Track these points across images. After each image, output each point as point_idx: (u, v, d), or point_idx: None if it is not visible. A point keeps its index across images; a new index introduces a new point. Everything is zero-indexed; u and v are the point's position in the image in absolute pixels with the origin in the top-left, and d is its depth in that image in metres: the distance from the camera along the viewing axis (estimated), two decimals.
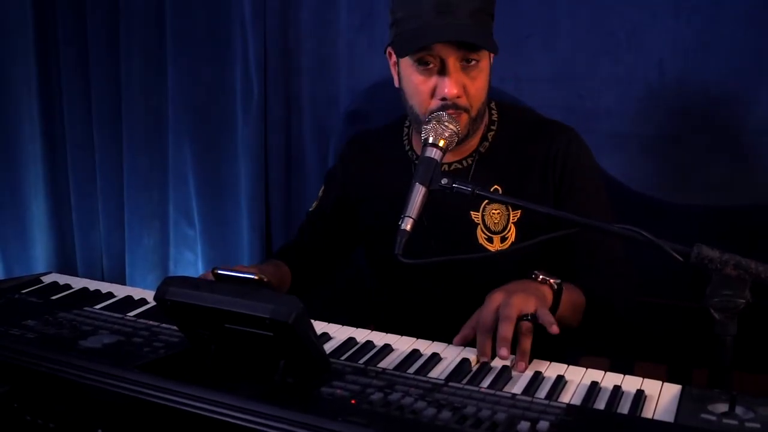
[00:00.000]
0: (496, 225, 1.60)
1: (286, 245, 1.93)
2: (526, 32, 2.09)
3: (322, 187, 1.87)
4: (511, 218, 1.60)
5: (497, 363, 1.29)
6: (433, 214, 1.61)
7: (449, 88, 1.45)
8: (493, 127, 1.65)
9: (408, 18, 1.47)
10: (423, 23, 1.44)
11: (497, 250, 1.60)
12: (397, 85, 1.60)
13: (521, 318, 1.30)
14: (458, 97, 1.47)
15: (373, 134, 1.82)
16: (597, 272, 1.58)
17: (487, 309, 1.32)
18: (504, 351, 1.25)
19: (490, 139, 1.65)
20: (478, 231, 1.61)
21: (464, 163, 1.64)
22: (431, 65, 1.47)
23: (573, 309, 1.46)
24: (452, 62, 1.45)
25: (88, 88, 2.70)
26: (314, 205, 1.86)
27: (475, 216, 1.61)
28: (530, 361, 1.28)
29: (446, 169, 1.63)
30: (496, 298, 1.32)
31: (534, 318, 1.31)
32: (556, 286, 1.40)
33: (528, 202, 1.35)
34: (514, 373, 1.25)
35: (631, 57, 2.01)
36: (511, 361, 1.27)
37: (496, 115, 1.67)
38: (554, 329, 1.26)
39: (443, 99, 1.47)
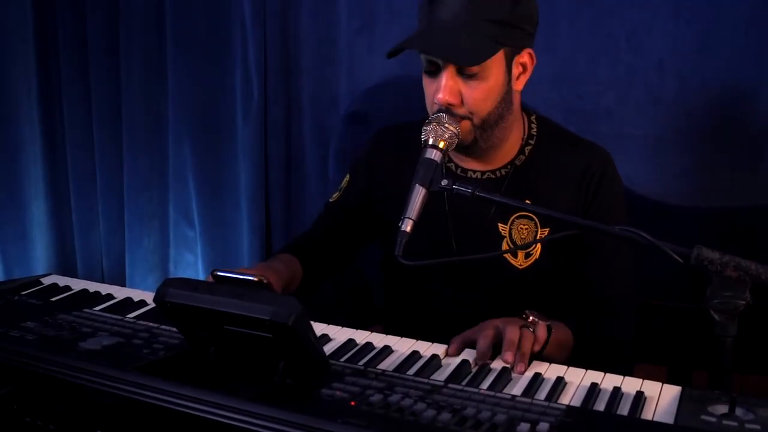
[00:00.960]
0: (522, 240, 1.60)
1: (300, 238, 1.89)
2: None
3: (347, 178, 1.83)
4: (539, 235, 1.59)
5: (497, 364, 1.29)
6: (462, 222, 1.61)
7: (441, 94, 1.46)
8: (531, 141, 1.64)
9: (420, 19, 1.50)
10: (424, 25, 1.47)
11: (520, 267, 1.61)
12: None
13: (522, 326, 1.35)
14: (450, 104, 1.47)
15: (402, 129, 1.77)
16: (602, 312, 1.60)
17: (487, 323, 1.37)
18: (509, 355, 1.27)
19: (526, 153, 1.64)
20: (504, 244, 1.61)
21: (497, 173, 1.63)
22: (432, 68, 1.49)
23: (560, 348, 1.47)
24: (447, 69, 1.46)
25: (88, 89, 2.70)
26: (336, 195, 1.83)
27: (503, 229, 1.61)
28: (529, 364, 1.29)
29: (479, 177, 1.63)
30: (494, 320, 1.37)
31: (533, 329, 1.36)
32: (547, 327, 1.41)
33: (528, 204, 1.35)
34: (513, 374, 1.25)
35: (631, 58, 2.01)
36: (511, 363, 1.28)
37: (535, 130, 1.66)
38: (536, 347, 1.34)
39: (437, 103, 1.48)
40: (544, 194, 1.59)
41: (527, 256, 1.60)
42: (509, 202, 1.43)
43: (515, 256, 1.60)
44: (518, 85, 1.55)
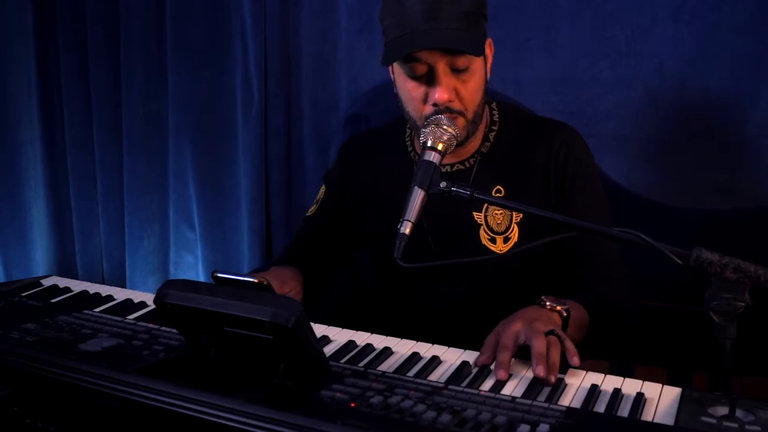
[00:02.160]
0: (498, 226, 1.60)
1: (283, 254, 1.88)
2: (526, 36, 2.10)
3: (322, 189, 1.84)
4: (514, 218, 1.60)
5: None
6: (435, 215, 1.61)
7: (439, 94, 1.44)
8: (494, 128, 1.65)
9: (395, 26, 1.45)
10: (408, 30, 1.42)
11: (500, 252, 1.60)
12: (395, 90, 1.60)
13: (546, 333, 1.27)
14: (450, 101, 1.46)
15: (372, 134, 1.81)
16: (600, 277, 1.58)
17: (508, 331, 1.28)
18: (540, 369, 1.20)
19: (491, 140, 1.64)
20: (481, 232, 1.61)
21: (466, 164, 1.64)
22: (421, 72, 1.46)
23: (579, 330, 1.45)
24: (441, 68, 1.44)
25: (88, 91, 2.71)
26: (313, 209, 1.83)
27: (478, 217, 1.61)
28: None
29: (449, 170, 1.63)
30: (516, 324, 1.30)
31: (557, 334, 1.27)
32: (565, 313, 1.39)
33: (529, 205, 1.33)
34: (513, 376, 1.25)
35: (632, 61, 2.01)
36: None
37: (497, 116, 1.66)
38: (575, 360, 1.24)
39: (435, 105, 1.46)
40: (513, 178, 1.60)
41: (506, 240, 1.60)
42: (510, 205, 1.42)
43: (502, 247, 1.60)
44: (488, 74, 1.56)
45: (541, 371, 1.20)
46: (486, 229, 1.61)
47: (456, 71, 1.46)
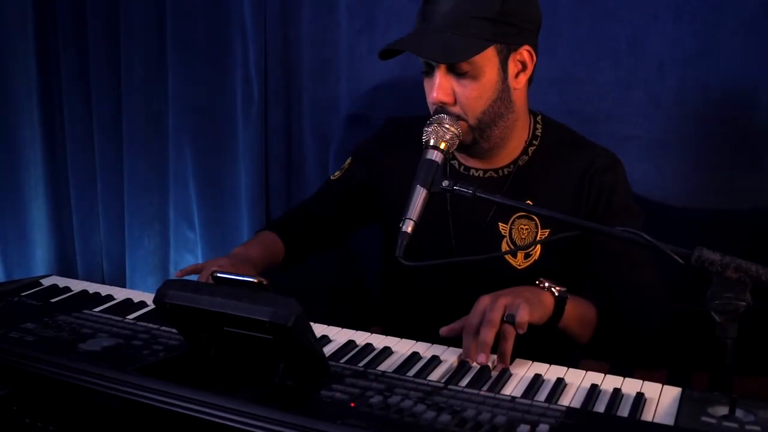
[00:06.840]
0: (522, 240, 1.59)
1: (295, 209, 1.92)
2: None
3: (349, 160, 1.83)
4: (539, 236, 1.58)
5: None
6: (462, 220, 1.61)
7: (434, 92, 1.47)
8: (535, 142, 1.64)
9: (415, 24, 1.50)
10: (411, 31, 1.48)
11: (519, 267, 1.60)
12: None
13: (505, 321, 1.29)
14: (443, 103, 1.47)
15: (413, 122, 1.79)
16: (624, 294, 1.55)
17: (473, 311, 1.31)
18: (482, 357, 1.25)
19: (530, 153, 1.63)
20: (504, 244, 1.60)
21: (500, 173, 1.63)
22: (427, 68, 1.50)
23: (580, 323, 1.44)
24: (439, 68, 1.46)
25: (89, 90, 2.70)
26: (337, 174, 1.84)
27: (503, 228, 1.60)
28: (512, 361, 1.28)
29: (480, 176, 1.63)
30: (483, 301, 1.31)
31: (513, 319, 1.28)
32: (557, 293, 1.38)
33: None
34: (513, 375, 1.25)
35: (632, 61, 2.01)
36: (492, 362, 1.27)
37: (540, 130, 1.65)
38: (519, 330, 1.27)
39: (434, 103, 1.50)
40: (545, 195, 1.58)
41: (527, 256, 1.60)
42: (508, 202, 1.40)
43: (515, 256, 1.60)
44: (517, 84, 1.53)
45: (483, 359, 1.24)
46: (509, 242, 1.60)
47: (456, 75, 1.46)
